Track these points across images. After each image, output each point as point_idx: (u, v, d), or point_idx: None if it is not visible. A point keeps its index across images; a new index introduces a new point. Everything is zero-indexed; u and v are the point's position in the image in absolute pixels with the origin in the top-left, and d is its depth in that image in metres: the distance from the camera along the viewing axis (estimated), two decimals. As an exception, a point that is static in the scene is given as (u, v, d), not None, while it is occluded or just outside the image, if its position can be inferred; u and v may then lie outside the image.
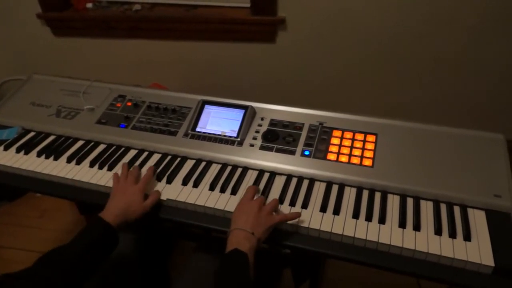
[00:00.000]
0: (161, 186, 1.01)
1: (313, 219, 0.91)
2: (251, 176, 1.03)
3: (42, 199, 1.99)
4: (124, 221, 0.91)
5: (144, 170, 1.06)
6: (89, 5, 1.83)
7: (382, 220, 0.90)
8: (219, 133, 1.13)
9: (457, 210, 0.92)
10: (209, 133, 1.13)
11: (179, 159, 1.10)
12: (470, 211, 0.92)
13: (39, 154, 1.13)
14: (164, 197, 0.99)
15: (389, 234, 0.87)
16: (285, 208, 0.94)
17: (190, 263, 1.05)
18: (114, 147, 1.15)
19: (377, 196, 0.96)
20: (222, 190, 0.99)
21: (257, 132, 1.13)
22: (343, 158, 1.04)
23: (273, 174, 1.03)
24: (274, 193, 0.98)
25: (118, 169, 1.07)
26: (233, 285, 0.77)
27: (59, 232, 1.84)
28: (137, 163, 1.09)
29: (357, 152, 1.05)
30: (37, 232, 1.85)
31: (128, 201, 0.93)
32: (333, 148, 1.06)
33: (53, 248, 0.82)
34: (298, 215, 0.90)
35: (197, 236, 1.46)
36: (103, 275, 1.00)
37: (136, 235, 1.11)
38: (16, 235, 1.85)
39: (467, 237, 0.85)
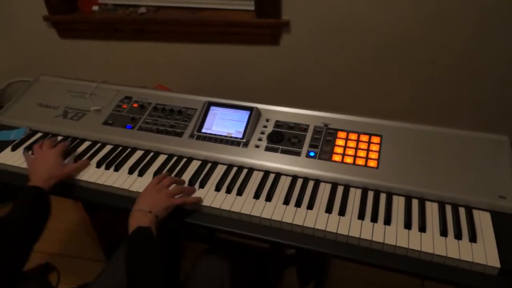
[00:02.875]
0: (167, 186, 1.02)
1: (319, 220, 0.91)
2: (256, 177, 1.04)
3: (47, 199, 2.00)
4: (53, 183, 0.98)
5: (150, 172, 1.07)
6: (95, 7, 1.85)
7: (387, 221, 0.90)
8: (225, 134, 1.14)
9: (462, 211, 0.93)
10: (214, 134, 1.14)
11: (185, 160, 1.11)
12: (475, 212, 0.92)
13: (46, 155, 1.14)
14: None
15: (395, 235, 0.87)
16: (291, 209, 0.94)
17: (198, 266, 1.06)
18: (120, 148, 1.16)
19: (382, 197, 0.97)
20: (228, 191, 1.00)
21: (262, 133, 1.13)
22: (348, 159, 1.04)
23: (278, 175, 1.04)
24: (280, 194, 0.98)
25: (124, 169, 1.08)
26: (144, 259, 0.81)
27: (63, 232, 1.85)
28: (143, 163, 1.10)
29: (362, 153, 1.05)
30: (42, 232, 1.86)
31: (48, 163, 1.02)
32: (338, 150, 1.07)
33: None
34: (198, 199, 0.97)
35: (203, 237, 1.47)
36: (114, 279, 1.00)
37: None
38: (21, 235, 1.85)
39: (472, 238, 0.86)
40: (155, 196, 0.94)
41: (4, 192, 2.00)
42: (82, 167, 1.08)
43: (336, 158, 1.05)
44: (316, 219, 0.91)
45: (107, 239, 1.61)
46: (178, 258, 1.25)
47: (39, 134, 1.23)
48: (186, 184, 1.03)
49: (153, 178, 1.03)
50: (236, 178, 1.04)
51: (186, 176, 1.05)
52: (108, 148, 1.16)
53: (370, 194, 0.97)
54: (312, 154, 1.07)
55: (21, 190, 0.96)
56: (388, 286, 1.51)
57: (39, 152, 1.07)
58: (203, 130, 1.15)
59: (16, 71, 2.07)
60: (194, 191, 1.00)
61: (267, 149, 1.09)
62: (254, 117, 1.15)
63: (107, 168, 1.09)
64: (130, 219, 0.89)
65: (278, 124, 1.15)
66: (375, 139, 1.08)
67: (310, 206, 0.94)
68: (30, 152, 1.13)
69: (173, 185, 1.00)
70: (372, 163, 1.03)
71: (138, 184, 1.03)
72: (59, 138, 1.21)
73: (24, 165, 1.11)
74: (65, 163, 1.08)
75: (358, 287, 1.53)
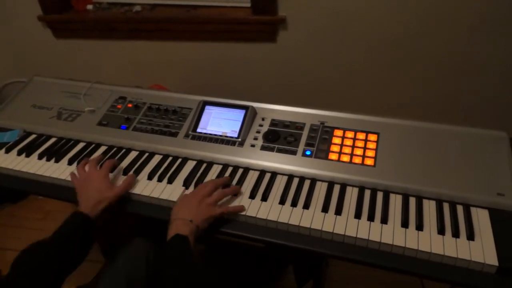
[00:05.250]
0: (162, 187, 1.01)
1: (315, 219, 0.90)
2: (252, 177, 1.03)
3: (44, 201, 1.99)
4: (100, 209, 0.93)
5: (145, 173, 1.06)
6: (90, 6, 1.83)
7: (384, 220, 0.89)
8: (220, 133, 1.13)
9: (460, 209, 0.92)
10: (210, 134, 1.13)
11: (180, 160, 1.10)
12: (473, 210, 0.91)
13: (40, 157, 1.13)
14: (165, 198, 0.98)
15: (392, 234, 0.86)
16: (287, 209, 0.93)
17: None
18: (115, 149, 1.15)
19: (379, 195, 0.96)
20: (223, 191, 0.99)
21: (258, 132, 1.12)
22: (345, 158, 1.03)
23: (274, 174, 1.03)
24: (276, 193, 0.97)
25: (118, 170, 1.07)
26: (177, 267, 0.79)
27: (62, 233, 1.84)
28: (138, 164, 1.09)
29: (358, 151, 1.04)
30: (39, 234, 1.84)
31: (97, 188, 0.95)
32: (335, 148, 1.06)
33: (33, 242, 0.85)
34: (241, 208, 0.93)
35: (199, 238, 1.46)
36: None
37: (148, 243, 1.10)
38: (19, 237, 1.85)
39: (470, 236, 0.85)
40: (196, 205, 0.89)
41: (1, 194, 2.00)
42: (130, 186, 0.99)
43: (333, 156, 1.04)
44: (312, 218, 0.90)
45: (106, 241, 1.60)
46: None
47: (33, 136, 1.21)
48: (181, 185, 1.02)
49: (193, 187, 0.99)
50: (231, 178, 1.02)
51: (181, 177, 1.04)
52: (102, 149, 1.15)
53: (367, 193, 0.96)
54: (308, 152, 1.06)
55: (70, 215, 0.91)
56: (387, 285, 1.50)
57: (84, 174, 1.00)
58: (198, 130, 1.14)
59: (11, 72, 2.06)
60: (237, 190, 0.97)
61: (263, 148, 1.08)
62: (250, 116, 1.14)
63: (101, 169, 1.08)
64: (170, 228, 0.86)
65: (274, 122, 1.14)
66: (372, 137, 1.07)
67: (306, 206, 0.93)
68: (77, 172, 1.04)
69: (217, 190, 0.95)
70: (369, 161, 1.02)
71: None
72: (53, 139, 1.20)
73: (18, 168, 1.10)
74: (113, 184, 1.00)
75: (357, 287, 1.53)
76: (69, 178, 1.05)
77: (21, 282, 0.78)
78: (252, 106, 1.16)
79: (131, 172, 1.05)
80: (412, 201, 0.94)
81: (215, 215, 0.90)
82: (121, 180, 1.03)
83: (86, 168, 1.04)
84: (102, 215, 0.94)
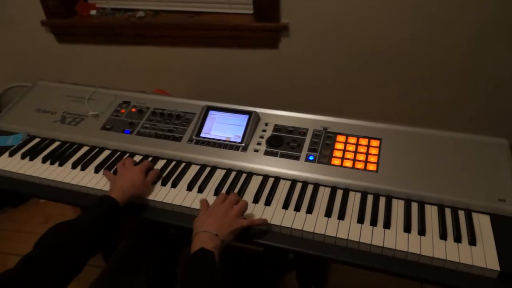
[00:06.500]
0: (166, 191, 1.02)
1: (318, 224, 0.91)
2: (255, 182, 1.03)
3: (46, 205, 1.99)
4: (130, 197, 0.96)
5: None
6: (93, 12, 1.85)
7: (387, 225, 0.90)
8: (224, 138, 1.13)
9: (461, 214, 0.92)
10: (213, 139, 1.14)
11: (183, 164, 1.10)
12: (474, 215, 0.92)
13: (44, 160, 1.14)
14: (168, 202, 0.99)
15: (394, 239, 0.87)
16: (290, 213, 0.94)
17: None
18: (118, 153, 1.16)
19: (382, 200, 0.96)
20: (227, 195, 1.00)
21: (261, 137, 1.13)
22: (348, 163, 1.04)
23: (277, 179, 1.04)
24: (279, 198, 0.98)
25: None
26: (201, 282, 0.78)
27: (62, 238, 1.84)
28: (142, 168, 1.09)
29: (361, 157, 1.05)
30: (41, 238, 1.85)
31: (131, 179, 0.99)
32: (337, 153, 1.07)
33: (60, 222, 0.87)
34: (265, 221, 0.91)
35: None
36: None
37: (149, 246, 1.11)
38: (20, 241, 1.85)
39: (472, 241, 0.85)
40: (222, 217, 0.88)
41: (1, 198, 2.00)
42: (158, 176, 1.05)
43: (335, 162, 1.05)
44: (315, 223, 0.91)
45: (107, 245, 1.60)
46: (175, 265, 1.24)
47: (37, 140, 1.22)
48: (185, 189, 1.03)
49: (217, 195, 0.98)
50: (235, 183, 1.03)
51: (185, 181, 1.04)
52: (106, 153, 1.16)
53: (370, 198, 0.97)
54: (311, 158, 1.07)
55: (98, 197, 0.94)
56: (388, 289, 1.51)
57: (121, 169, 1.04)
58: (202, 135, 1.15)
59: (14, 76, 2.07)
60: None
61: (266, 153, 1.09)
62: (253, 121, 1.15)
63: (105, 173, 1.08)
64: (195, 240, 0.85)
65: (277, 128, 1.15)
66: (374, 143, 1.08)
67: (309, 210, 0.94)
68: (112, 171, 1.09)
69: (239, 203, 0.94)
70: (372, 167, 1.03)
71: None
72: (57, 143, 1.20)
73: (22, 171, 1.10)
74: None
75: (358, 291, 1.53)
76: (73, 182, 1.06)
77: (45, 258, 0.79)
78: (255, 111, 1.17)
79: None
80: (414, 206, 0.95)
81: (240, 227, 0.89)
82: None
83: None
84: (128, 203, 0.97)
